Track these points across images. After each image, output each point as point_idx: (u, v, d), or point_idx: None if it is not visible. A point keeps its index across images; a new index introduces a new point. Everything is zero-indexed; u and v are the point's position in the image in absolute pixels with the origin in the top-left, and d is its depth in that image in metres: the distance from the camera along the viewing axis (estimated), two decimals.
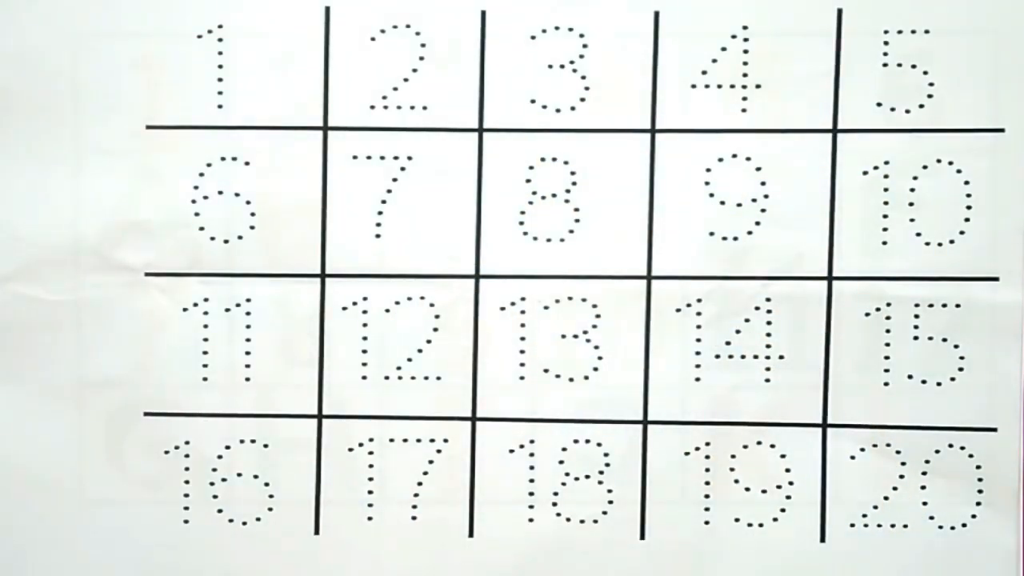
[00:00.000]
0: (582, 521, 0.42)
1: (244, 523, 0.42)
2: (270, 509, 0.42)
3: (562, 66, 0.41)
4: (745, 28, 0.41)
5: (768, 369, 0.42)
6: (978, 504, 0.42)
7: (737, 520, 0.42)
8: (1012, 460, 0.41)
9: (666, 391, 0.42)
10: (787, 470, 0.42)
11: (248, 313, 0.42)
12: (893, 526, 0.42)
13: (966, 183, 0.41)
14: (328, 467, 0.42)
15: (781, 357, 0.42)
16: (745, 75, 0.41)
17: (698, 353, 0.42)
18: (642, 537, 0.42)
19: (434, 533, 0.42)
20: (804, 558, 0.42)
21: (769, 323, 0.42)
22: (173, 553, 0.42)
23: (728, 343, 0.42)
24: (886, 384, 0.42)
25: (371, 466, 0.42)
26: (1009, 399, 0.41)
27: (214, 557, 0.42)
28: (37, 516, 0.42)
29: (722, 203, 0.41)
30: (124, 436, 0.42)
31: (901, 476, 0.42)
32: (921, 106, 0.41)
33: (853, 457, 0.42)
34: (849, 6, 0.41)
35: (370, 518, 0.42)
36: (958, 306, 0.41)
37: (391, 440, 0.42)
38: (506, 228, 0.42)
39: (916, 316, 0.41)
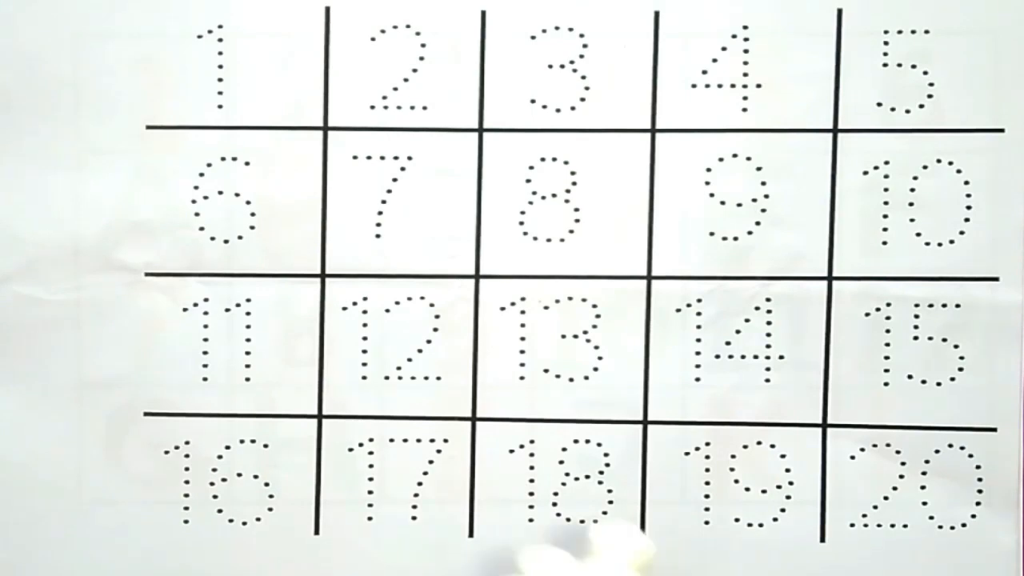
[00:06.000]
0: (582, 521, 0.42)
1: (244, 523, 0.42)
2: (270, 509, 0.42)
3: (562, 66, 0.41)
4: (745, 28, 0.41)
5: (768, 369, 0.42)
6: (978, 504, 0.42)
7: (737, 520, 0.42)
8: (1012, 460, 0.41)
9: (666, 391, 0.42)
10: (787, 470, 0.42)
11: (248, 313, 0.42)
12: (893, 526, 0.42)
13: (966, 183, 0.41)
14: (328, 467, 0.42)
15: (781, 357, 0.42)
16: (745, 75, 0.41)
17: (698, 353, 0.42)
18: None
19: (434, 533, 0.42)
20: (804, 558, 0.42)
21: (769, 323, 0.42)
22: (173, 553, 0.42)
23: (728, 343, 0.42)
24: (886, 384, 0.42)
25: (371, 466, 0.42)
26: (1009, 399, 0.41)
27: (214, 557, 0.42)
28: (37, 516, 0.42)
29: (722, 203, 0.41)
30: (124, 436, 0.42)
31: (901, 476, 0.42)
32: (921, 106, 0.41)
33: (853, 457, 0.42)
34: (849, 6, 0.41)
35: (370, 518, 0.42)
36: (958, 306, 0.41)
37: (391, 440, 0.42)
38: (506, 228, 0.42)
39: (916, 316, 0.41)
